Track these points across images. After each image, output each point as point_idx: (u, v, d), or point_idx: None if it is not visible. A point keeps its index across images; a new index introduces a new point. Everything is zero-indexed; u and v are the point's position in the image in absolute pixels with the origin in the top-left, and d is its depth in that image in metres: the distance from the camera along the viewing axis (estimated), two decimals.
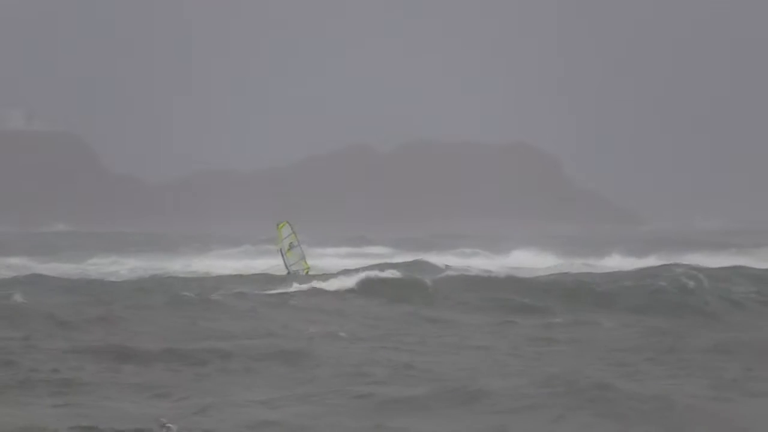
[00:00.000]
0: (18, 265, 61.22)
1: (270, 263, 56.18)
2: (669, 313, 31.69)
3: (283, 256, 48.01)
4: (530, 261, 67.68)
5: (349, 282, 36.53)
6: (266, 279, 44.90)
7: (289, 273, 47.22)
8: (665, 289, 34.86)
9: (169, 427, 16.35)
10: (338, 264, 62.14)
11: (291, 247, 48.00)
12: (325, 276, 39.76)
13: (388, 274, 38.03)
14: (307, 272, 46.92)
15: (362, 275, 37.18)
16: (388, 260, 57.99)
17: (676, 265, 39.70)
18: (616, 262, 65.20)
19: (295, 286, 36.47)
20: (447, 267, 46.85)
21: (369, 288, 36.07)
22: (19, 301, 31.31)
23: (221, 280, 44.71)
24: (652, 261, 61.55)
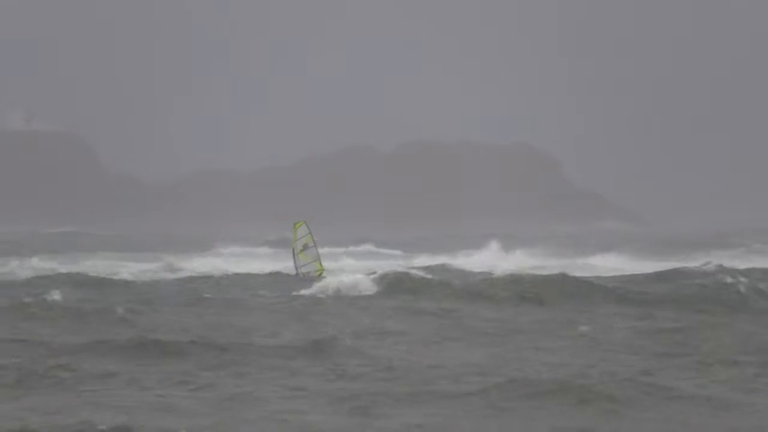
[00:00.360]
0: (33, 265, 61.15)
1: (280, 264, 56.14)
2: (702, 309, 31.70)
3: (294, 256, 47.27)
4: (532, 261, 67.69)
5: (370, 281, 36.56)
6: (281, 279, 44.81)
7: (297, 274, 46.61)
8: (701, 286, 34.83)
9: None
10: (348, 265, 62.10)
11: (306, 247, 47.15)
12: (344, 275, 39.77)
13: (412, 273, 38.09)
14: (320, 274, 46.12)
15: (383, 274, 37.19)
16: (402, 262, 57.99)
17: (709, 263, 39.76)
18: (619, 262, 65.24)
19: (316, 286, 36.46)
20: (471, 271, 46.90)
21: (391, 288, 36.05)
22: (57, 299, 31.57)
23: (237, 279, 44.66)
24: (668, 260, 61.52)
